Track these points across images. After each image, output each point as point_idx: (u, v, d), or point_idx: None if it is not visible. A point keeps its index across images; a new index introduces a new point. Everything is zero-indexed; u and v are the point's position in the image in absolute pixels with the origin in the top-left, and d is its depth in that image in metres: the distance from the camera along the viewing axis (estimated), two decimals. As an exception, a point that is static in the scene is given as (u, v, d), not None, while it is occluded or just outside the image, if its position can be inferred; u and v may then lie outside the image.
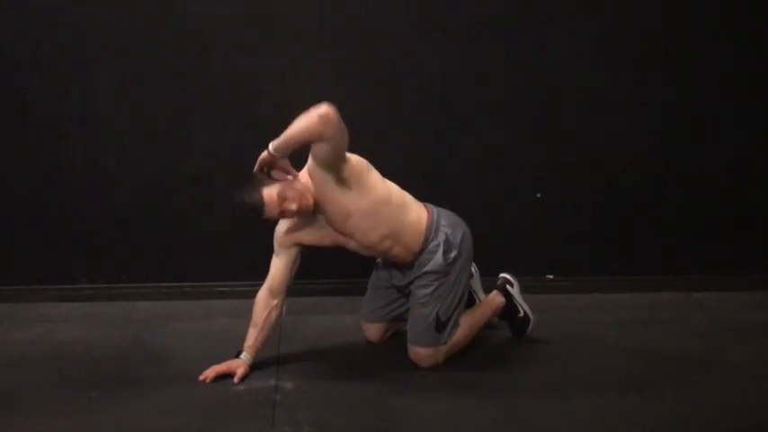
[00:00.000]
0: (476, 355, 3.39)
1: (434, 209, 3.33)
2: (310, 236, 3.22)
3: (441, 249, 3.24)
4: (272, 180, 3.04)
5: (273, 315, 3.23)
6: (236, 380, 3.12)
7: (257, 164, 3.04)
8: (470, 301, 3.55)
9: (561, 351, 3.47)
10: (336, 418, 2.89)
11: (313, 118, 2.92)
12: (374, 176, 3.16)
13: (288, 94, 3.95)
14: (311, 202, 3.06)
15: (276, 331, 3.34)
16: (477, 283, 3.67)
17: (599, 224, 4.16)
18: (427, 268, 3.25)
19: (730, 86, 4.09)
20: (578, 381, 3.18)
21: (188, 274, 4.07)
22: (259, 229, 3.27)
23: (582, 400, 3.02)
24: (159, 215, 4.02)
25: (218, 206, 3.94)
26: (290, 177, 3.05)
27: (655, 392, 3.07)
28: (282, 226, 3.24)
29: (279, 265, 3.24)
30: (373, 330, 3.49)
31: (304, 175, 3.10)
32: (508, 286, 3.58)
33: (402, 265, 3.34)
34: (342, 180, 3.05)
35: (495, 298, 3.55)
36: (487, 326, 3.55)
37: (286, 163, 3.05)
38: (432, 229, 3.26)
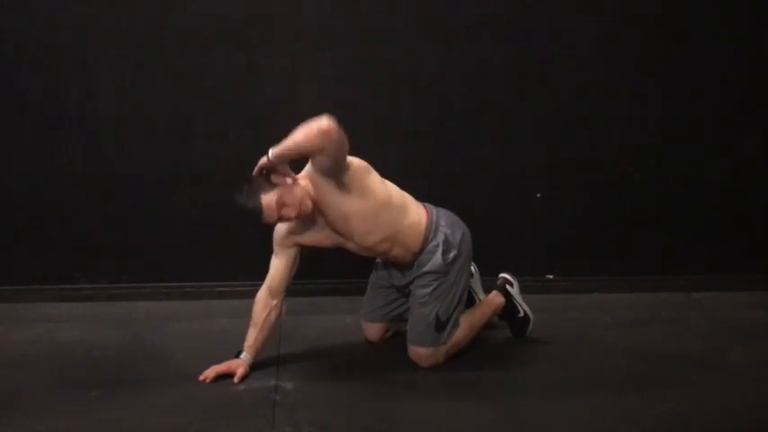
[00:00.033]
0: (476, 355, 3.39)
1: (433, 209, 3.33)
2: (309, 237, 3.22)
3: (440, 249, 3.24)
4: (272, 184, 3.03)
5: (273, 315, 3.23)
6: (236, 380, 3.12)
7: (256, 168, 3.03)
8: (470, 301, 3.56)
9: (561, 351, 3.47)
10: (336, 418, 2.89)
11: (313, 132, 2.91)
12: (374, 179, 3.16)
13: (288, 94, 3.96)
14: (310, 207, 3.06)
15: (276, 331, 3.35)
16: (477, 283, 3.67)
17: (599, 224, 4.16)
18: (426, 268, 3.25)
19: (730, 86, 4.09)
20: (578, 381, 3.18)
21: (188, 274, 4.07)
22: (259, 229, 3.27)
23: (582, 400, 3.02)
24: (159, 215, 4.02)
25: (218, 206, 3.93)
26: (289, 181, 3.04)
27: (655, 392, 3.07)
28: (282, 227, 3.24)
29: (278, 265, 3.24)
30: (373, 330, 3.49)
31: (304, 177, 3.10)
32: (508, 286, 3.58)
33: (401, 265, 3.34)
34: (342, 184, 3.05)
35: (495, 298, 3.55)
36: (487, 326, 3.55)
37: (285, 168, 3.05)
38: (431, 230, 3.26)
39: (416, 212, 3.27)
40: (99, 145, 3.96)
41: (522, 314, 3.56)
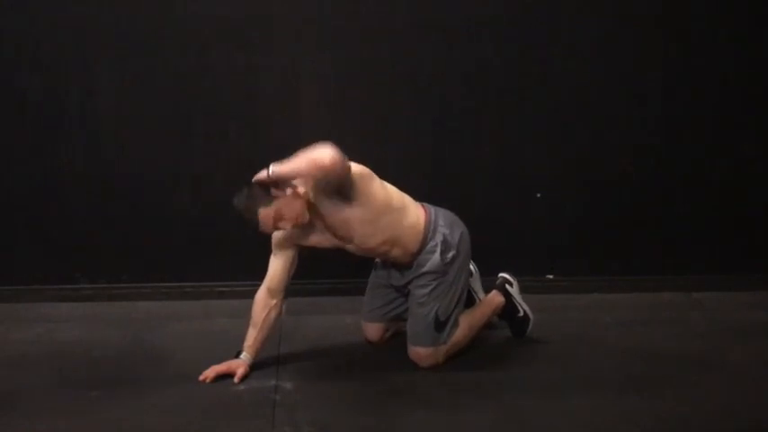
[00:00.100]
0: (476, 355, 3.39)
1: (432, 208, 3.33)
2: (309, 239, 3.22)
3: (438, 249, 3.24)
4: (270, 196, 3.00)
5: (272, 315, 3.22)
6: (236, 380, 3.12)
7: (255, 178, 3.01)
8: (470, 301, 3.55)
9: (561, 351, 3.47)
10: (336, 418, 2.89)
11: (316, 165, 2.89)
12: (375, 185, 3.14)
13: (288, 94, 3.96)
14: (307, 219, 3.07)
15: (276, 331, 3.35)
16: (476, 283, 3.67)
17: (599, 224, 4.16)
18: (425, 269, 3.25)
19: (730, 86, 4.09)
20: (578, 381, 3.18)
21: (188, 274, 4.07)
22: (257, 231, 3.27)
23: (582, 400, 3.02)
24: (159, 215, 4.02)
25: (218, 206, 3.93)
26: (288, 192, 3.02)
27: (655, 392, 3.07)
28: (281, 228, 3.24)
29: (277, 265, 3.24)
30: (373, 330, 3.49)
31: None
32: (507, 286, 3.58)
33: (400, 266, 3.34)
34: (343, 194, 3.04)
35: (495, 297, 3.55)
36: (487, 326, 3.55)
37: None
38: (429, 230, 3.26)
39: (415, 213, 3.27)
40: (99, 145, 3.96)
41: (521, 314, 3.56)
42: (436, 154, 4.07)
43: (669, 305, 4.03)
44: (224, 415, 2.90)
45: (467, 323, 3.37)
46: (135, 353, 3.44)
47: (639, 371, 3.26)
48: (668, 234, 4.19)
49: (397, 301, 3.44)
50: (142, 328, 3.68)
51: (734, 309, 3.96)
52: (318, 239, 3.22)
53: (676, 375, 3.23)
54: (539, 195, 4.12)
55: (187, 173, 4.00)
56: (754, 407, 2.99)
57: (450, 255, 3.26)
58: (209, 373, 3.13)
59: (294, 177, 2.96)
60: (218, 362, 3.17)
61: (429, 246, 3.25)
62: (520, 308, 3.56)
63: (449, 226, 3.30)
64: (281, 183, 2.99)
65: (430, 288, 3.25)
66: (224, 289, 4.04)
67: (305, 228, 3.17)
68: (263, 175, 2.98)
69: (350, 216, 3.10)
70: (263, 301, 3.22)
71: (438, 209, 3.35)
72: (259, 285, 3.26)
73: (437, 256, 3.24)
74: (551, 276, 4.21)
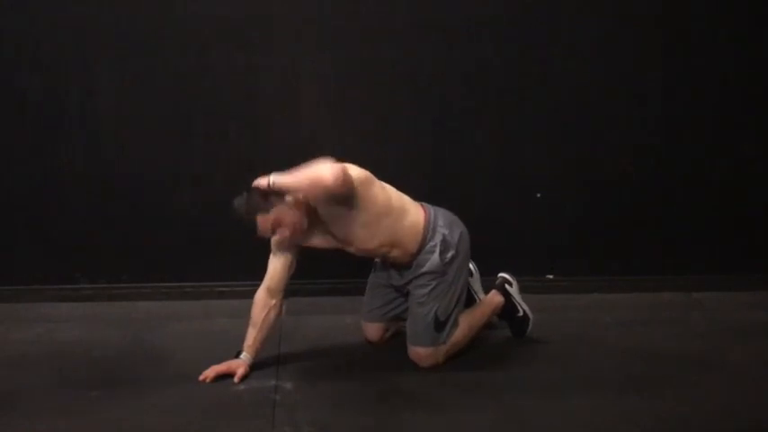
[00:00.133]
0: (476, 355, 3.39)
1: (431, 208, 3.33)
2: (308, 240, 3.21)
3: (437, 250, 3.24)
4: (270, 202, 3.00)
5: (272, 315, 3.22)
6: (236, 380, 3.12)
7: (257, 183, 3.00)
8: (470, 301, 3.55)
9: (561, 351, 3.47)
10: (336, 418, 2.89)
11: (320, 185, 2.90)
12: (375, 190, 3.14)
13: (288, 94, 3.96)
14: (306, 226, 3.08)
15: (276, 331, 3.35)
16: (476, 283, 3.67)
17: (599, 224, 4.16)
18: (425, 269, 3.25)
19: (730, 86, 4.09)
20: (578, 381, 3.18)
21: (188, 274, 4.07)
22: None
23: (582, 400, 3.02)
24: (159, 215, 4.02)
25: (218, 206, 3.92)
26: (288, 199, 3.02)
27: (655, 392, 3.07)
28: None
29: (276, 265, 3.24)
30: (373, 330, 3.49)
31: None
32: (507, 285, 3.58)
33: (400, 266, 3.34)
34: (343, 202, 3.04)
35: (494, 297, 3.55)
36: (487, 326, 3.55)
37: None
38: (429, 230, 3.26)
39: (414, 214, 3.27)
40: (99, 145, 3.96)
41: (521, 313, 3.56)
42: (436, 154, 4.07)
43: (669, 305, 4.03)
44: (224, 415, 2.90)
45: (466, 323, 3.37)
46: (135, 353, 3.44)
47: (639, 371, 3.26)
48: (668, 234, 4.19)
49: (396, 301, 3.44)
50: (142, 328, 3.68)
51: (734, 309, 3.96)
52: (318, 241, 3.22)
53: (676, 375, 3.23)
54: (539, 195, 4.12)
55: (187, 173, 4.00)
56: (754, 407, 2.99)
57: (449, 255, 3.26)
58: (209, 373, 3.13)
59: (295, 192, 2.96)
60: (218, 362, 3.17)
61: (428, 246, 3.25)
62: (519, 308, 3.56)
63: (448, 226, 3.30)
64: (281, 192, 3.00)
65: (429, 288, 3.25)
66: (224, 289, 4.04)
67: (304, 231, 3.17)
68: (263, 182, 2.97)
69: (350, 221, 3.10)
70: (263, 301, 3.22)
71: (437, 209, 3.35)
72: (259, 285, 3.26)
73: (436, 256, 3.24)
74: (551, 276, 4.21)
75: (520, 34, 3.99)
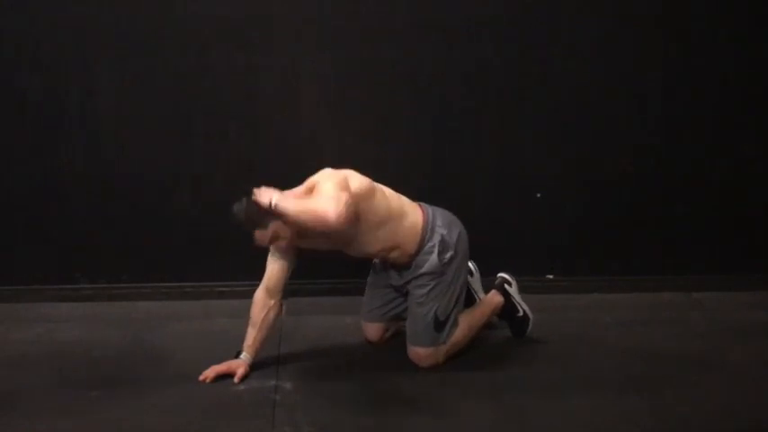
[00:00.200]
0: (476, 355, 3.39)
1: (429, 209, 3.33)
2: (307, 242, 3.20)
3: (436, 250, 3.24)
4: (269, 217, 2.98)
5: (271, 315, 3.22)
6: (236, 380, 3.12)
7: (258, 199, 2.97)
8: (470, 301, 3.56)
9: (561, 351, 3.47)
10: (336, 418, 2.89)
11: (321, 222, 2.89)
12: (375, 200, 3.14)
13: (288, 94, 3.96)
14: (304, 235, 3.08)
15: (276, 331, 3.35)
16: (477, 283, 3.67)
17: (599, 224, 4.16)
18: (423, 270, 3.25)
19: (730, 86, 4.09)
20: (578, 381, 3.18)
21: (188, 274, 4.07)
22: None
23: (582, 400, 3.02)
24: (159, 215, 4.01)
25: (218, 206, 3.92)
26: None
27: (655, 392, 3.07)
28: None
29: (275, 265, 3.23)
30: (373, 330, 3.49)
31: (302, 190, 3.09)
32: (506, 285, 3.58)
33: (399, 266, 3.34)
34: None
35: (494, 297, 3.55)
36: (487, 326, 3.55)
37: None
38: (427, 231, 3.26)
39: (413, 216, 3.27)
40: (99, 145, 3.96)
41: (521, 313, 3.56)
42: (436, 154, 4.06)
43: (669, 305, 4.03)
44: (224, 415, 2.90)
45: (466, 323, 3.37)
46: (135, 353, 3.44)
47: (639, 371, 3.26)
48: (668, 234, 4.18)
49: (396, 301, 3.44)
50: (142, 328, 3.68)
51: (734, 309, 3.96)
52: (317, 243, 3.21)
53: (676, 375, 3.23)
54: (539, 195, 4.12)
55: (187, 173, 4.00)
56: (754, 407, 2.99)
57: (447, 255, 3.26)
58: (209, 373, 3.13)
59: (295, 220, 2.95)
60: (218, 362, 3.17)
61: (427, 247, 3.25)
62: (519, 307, 3.56)
63: (446, 226, 3.30)
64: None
65: (428, 288, 3.25)
66: (224, 289, 4.04)
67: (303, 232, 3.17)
68: (264, 201, 2.95)
69: (350, 231, 3.09)
70: (262, 301, 3.22)
71: (435, 208, 3.35)
72: (259, 285, 3.26)
73: (435, 256, 3.24)
74: (551, 276, 4.21)
75: (520, 34, 3.99)
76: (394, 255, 3.27)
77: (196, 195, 4.01)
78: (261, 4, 3.89)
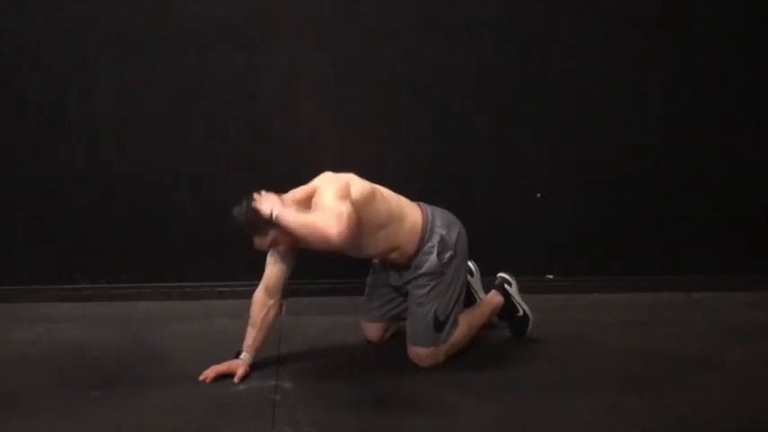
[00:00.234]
0: (476, 355, 3.39)
1: (428, 209, 3.33)
2: (306, 244, 3.20)
3: (435, 251, 3.24)
4: (268, 225, 2.97)
5: (271, 314, 3.22)
6: (236, 380, 3.12)
7: (259, 208, 2.96)
8: (470, 301, 3.56)
9: (561, 351, 3.47)
10: (336, 418, 2.89)
11: (323, 237, 2.86)
12: (375, 205, 3.14)
13: (288, 94, 3.96)
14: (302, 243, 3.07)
15: (276, 331, 3.35)
16: (477, 283, 3.67)
17: (599, 224, 4.16)
18: (423, 270, 3.25)
19: (730, 86, 4.09)
20: (578, 381, 3.18)
21: (188, 274, 4.07)
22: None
23: (582, 400, 3.02)
24: (159, 215, 4.02)
25: (218, 206, 3.92)
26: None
27: (655, 392, 3.07)
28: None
29: (274, 266, 3.23)
30: (373, 330, 3.49)
31: (302, 196, 3.09)
32: (506, 285, 3.58)
33: (398, 266, 3.34)
34: None
35: (494, 297, 3.56)
36: (487, 326, 3.55)
37: None
38: (426, 231, 3.26)
39: (412, 217, 3.26)
40: (99, 145, 3.96)
41: (521, 313, 3.56)
42: (436, 154, 4.06)
43: (669, 305, 4.03)
44: (224, 415, 2.90)
45: (466, 323, 3.37)
46: (135, 353, 3.44)
47: (639, 371, 3.26)
48: (668, 234, 4.19)
49: (395, 301, 3.44)
50: (142, 328, 3.68)
51: (734, 309, 3.96)
52: (317, 247, 3.20)
53: (676, 375, 3.23)
54: (539, 195, 4.12)
55: (187, 173, 4.00)
56: (754, 407, 2.99)
57: (447, 255, 3.26)
58: (209, 373, 3.13)
59: (300, 234, 2.94)
60: (218, 362, 3.17)
61: (426, 247, 3.25)
62: (519, 307, 3.56)
63: (446, 226, 3.30)
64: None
65: (428, 288, 3.25)
66: (224, 289, 4.04)
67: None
68: (265, 211, 2.94)
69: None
70: (261, 301, 3.21)
71: (435, 208, 3.35)
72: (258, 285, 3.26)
73: (434, 257, 3.24)
74: (551, 276, 4.21)
75: (520, 34, 3.99)
76: (393, 255, 3.27)
77: (196, 195, 4.01)
78: (261, 4, 3.89)
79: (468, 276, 3.55)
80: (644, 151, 4.13)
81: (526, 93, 4.06)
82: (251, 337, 3.20)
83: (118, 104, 3.93)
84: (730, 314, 3.89)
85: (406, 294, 3.36)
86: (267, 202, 2.96)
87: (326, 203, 2.94)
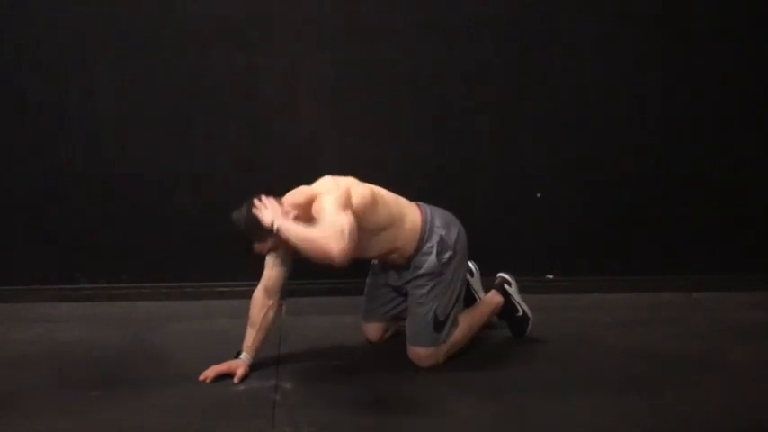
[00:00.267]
0: (476, 355, 3.39)
1: (428, 209, 3.33)
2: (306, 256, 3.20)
3: (435, 251, 3.24)
4: (267, 232, 2.96)
5: (270, 314, 3.22)
6: (236, 380, 3.12)
7: (259, 215, 2.96)
8: (470, 301, 3.55)
9: (561, 351, 3.47)
10: (336, 418, 2.89)
11: (324, 252, 2.85)
12: (376, 210, 3.13)
13: (288, 94, 3.96)
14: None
15: (276, 331, 3.35)
16: (477, 283, 3.67)
17: (599, 224, 4.16)
18: (422, 270, 3.25)
19: (730, 86, 4.09)
20: (578, 381, 3.18)
21: (188, 274, 4.07)
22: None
23: (582, 400, 3.02)
24: (159, 215, 4.01)
25: (218, 206, 3.92)
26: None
27: (655, 392, 3.07)
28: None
29: (273, 265, 3.23)
30: (373, 330, 3.49)
31: (301, 201, 3.08)
32: (506, 285, 3.58)
33: (398, 267, 3.34)
34: None
35: (494, 297, 3.55)
36: (487, 325, 3.55)
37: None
38: (426, 231, 3.26)
39: (412, 217, 3.26)
40: (99, 145, 3.96)
41: (521, 313, 3.56)
42: (436, 154, 4.06)
43: (669, 305, 4.03)
44: (224, 415, 2.90)
45: (466, 323, 3.37)
46: (135, 353, 3.44)
47: (639, 371, 3.26)
48: (668, 234, 4.18)
49: (395, 301, 3.44)
50: (142, 328, 3.68)
51: (734, 309, 3.96)
52: None
53: (676, 375, 3.23)
54: (539, 195, 4.12)
55: (187, 173, 4.00)
56: (754, 407, 2.99)
57: (446, 255, 3.26)
58: (209, 373, 3.13)
59: (301, 247, 2.93)
60: (218, 362, 3.17)
61: (425, 247, 3.25)
62: (519, 307, 3.56)
63: (445, 226, 3.30)
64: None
65: (428, 288, 3.25)
66: (224, 289, 4.04)
67: None
68: (266, 221, 2.94)
69: None
70: (261, 301, 3.21)
71: (434, 208, 3.35)
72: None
73: (433, 257, 3.24)
74: (551, 276, 4.21)
75: (520, 34, 3.99)
76: (393, 256, 3.27)
77: (196, 195, 4.01)
78: (261, 4, 3.89)
79: (468, 276, 3.55)
80: (644, 151, 4.13)
81: (526, 93, 4.06)
82: (250, 337, 3.20)
83: (118, 104, 3.93)
84: (730, 314, 3.89)
85: (405, 294, 3.36)
86: (268, 213, 2.96)
87: (328, 216, 2.91)
